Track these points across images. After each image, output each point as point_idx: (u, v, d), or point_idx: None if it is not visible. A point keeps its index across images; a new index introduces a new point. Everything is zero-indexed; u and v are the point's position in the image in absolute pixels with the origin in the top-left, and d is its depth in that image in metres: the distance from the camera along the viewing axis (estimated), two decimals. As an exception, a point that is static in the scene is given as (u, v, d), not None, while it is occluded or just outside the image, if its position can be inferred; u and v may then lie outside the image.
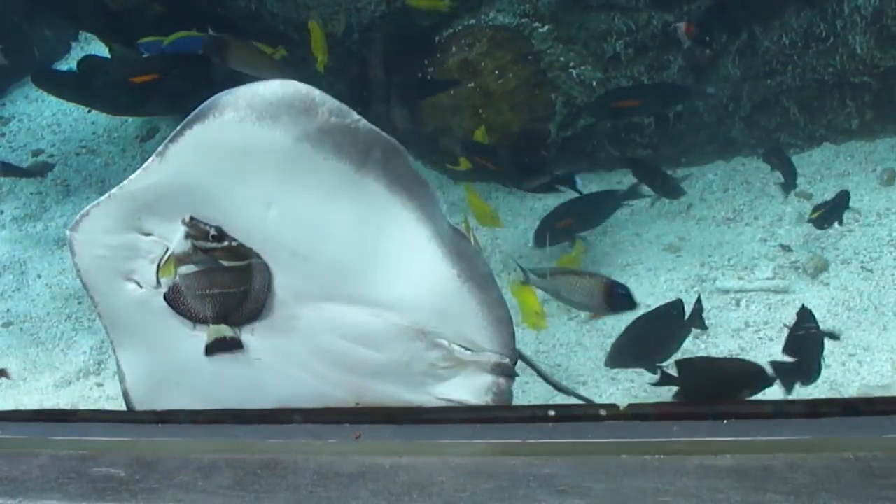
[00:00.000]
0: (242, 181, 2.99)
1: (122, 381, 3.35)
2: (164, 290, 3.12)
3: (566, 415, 2.75)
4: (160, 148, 3.01)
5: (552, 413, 2.74)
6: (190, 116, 2.97)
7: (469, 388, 3.15)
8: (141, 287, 3.15)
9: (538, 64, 6.41)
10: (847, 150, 6.56)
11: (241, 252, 3.05)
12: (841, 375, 4.65)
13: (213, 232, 3.03)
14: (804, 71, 6.54)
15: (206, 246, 3.05)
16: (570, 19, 6.34)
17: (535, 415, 2.78)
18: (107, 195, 3.08)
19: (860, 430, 2.40)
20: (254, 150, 2.95)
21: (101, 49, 8.06)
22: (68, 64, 8.59)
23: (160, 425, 3.14)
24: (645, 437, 2.50)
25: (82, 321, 6.10)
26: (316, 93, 2.95)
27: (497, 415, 2.91)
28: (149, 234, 3.09)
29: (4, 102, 8.73)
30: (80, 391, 5.51)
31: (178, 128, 2.98)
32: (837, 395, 4.42)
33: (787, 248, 5.73)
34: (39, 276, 6.60)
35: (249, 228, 3.04)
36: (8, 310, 6.30)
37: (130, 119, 7.95)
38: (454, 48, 6.42)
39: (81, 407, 5.19)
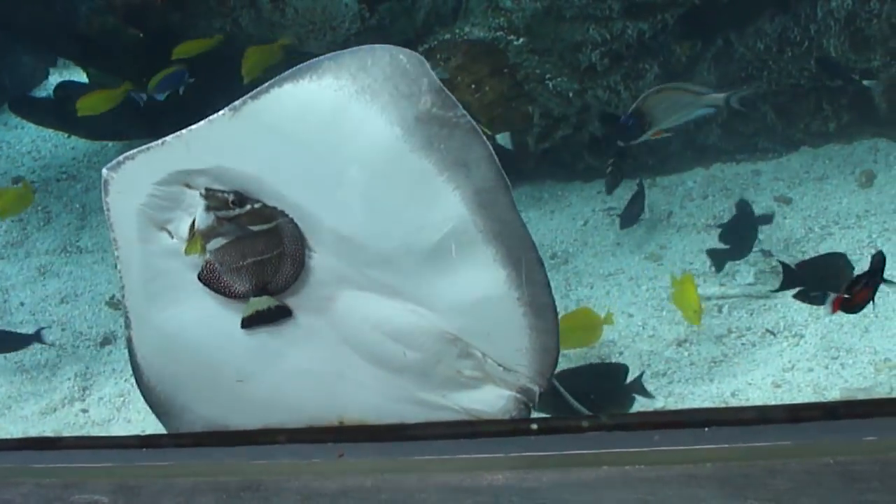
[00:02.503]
0: (318, 154, 2.85)
1: (127, 327, 3.19)
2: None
3: (548, 427, 2.74)
4: (235, 102, 2.85)
5: (534, 426, 2.74)
6: (283, 74, 2.82)
7: (489, 403, 3.13)
8: (172, 238, 3.02)
9: (514, 77, 6.44)
10: (825, 154, 6.60)
11: (267, 213, 2.92)
12: (824, 378, 4.66)
13: (231, 198, 2.89)
14: (780, 76, 6.58)
15: (229, 214, 2.91)
16: (544, 31, 6.36)
17: (517, 428, 2.77)
18: (160, 141, 2.91)
19: (840, 433, 2.40)
20: (341, 123, 2.82)
21: (78, 75, 8.07)
22: (46, 90, 8.58)
23: (144, 450, 3.12)
24: (626, 448, 2.50)
25: (66, 348, 6.08)
26: (426, 76, 2.82)
27: (479, 429, 2.90)
28: (195, 189, 2.95)
29: (-17, 130, 8.72)
30: (66, 418, 5.49)
31: (265, 85, 2.82)
32: (821, 399, 4.44)
33: (767, 253, 5.75)
34: (22, 304, 6.57)
35: (307, 205, 2.91)
36: (-9, 338, 6.26)
37: (111, 143, 7.95)
38: (430, 63, 6.42)
39: (66, 434, 5.17)
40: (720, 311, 5.38)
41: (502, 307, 3.01)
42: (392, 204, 2.91)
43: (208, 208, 2.92)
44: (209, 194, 2.91)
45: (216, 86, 6.45)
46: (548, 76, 6.44)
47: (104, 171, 2.99)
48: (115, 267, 3.14)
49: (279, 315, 3.05)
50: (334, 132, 2.84)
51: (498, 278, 2.97)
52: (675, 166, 6.71)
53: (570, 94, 6.46)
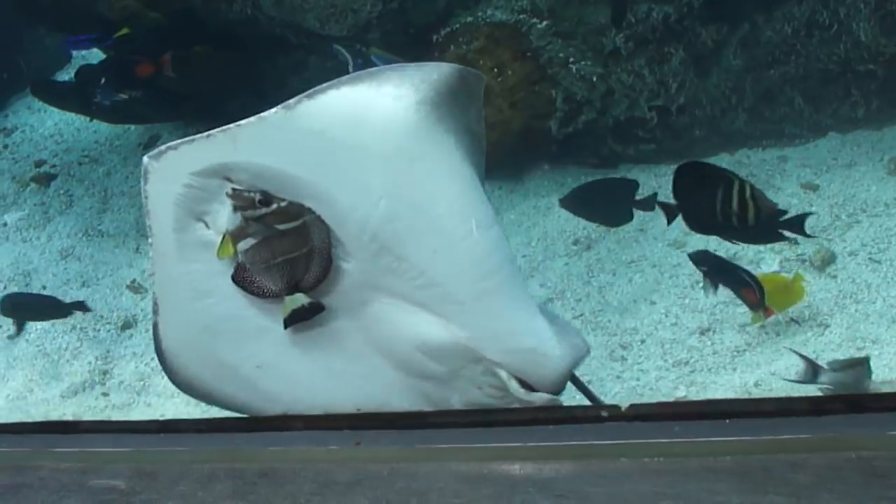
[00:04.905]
0: (367, 163, 2.83)
1: (155, 313, 3.20)
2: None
3: (567, 416, 2.71)
4: (289, 101, 2.82)
5: (553, 415, 2.71)
6: (343, 78, 2.80)
7: None
8: (208, 229, 3.01)
9: (537, 60, 6.39)
10: (853, 140, 6.51)
11: (293, 211, 2.91)
12: (849, 370, 4.60)
13: (258, 197, 2.88)
14: (808, 60, 6.50)
15: (256, 214, 2.90)
16: (567, 14, 6.31)
17: (535, 417, 2.74)
18: (205, 134, 2.90)
19: (863, 427, 2.35)
20: (395, 133, 2.80)
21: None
22: (68, 74, 8.59)
23: (161, 435, 3.11)
24: (645, 439, 2.46)
25: (87, 332, 6.10)
26: (481, 90, 2.84)
27: (497, 418, 2.87)
28: (235, 184, 2.94)
29: (7, 114, 8.74)
30: (86, 401, 5.51)
31: (323, 85, 2.79)
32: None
33: (793, 241, 5.67)
34: (44, 287, 6.60)
35: (349, 214, 2.89)
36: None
37: (133, 127, 7.95)
38: (452, 46, 6.39)
39: (86, 417, 5.19)
40: (744, 299, 5.31)
41: (533, 330, 3.04)
42: (435, 216, 2.90)
43: (235, 209, 2.92)
44: (236, 194, 2.91)
45: (236, 72, 6.50)
46: (571, 60, 6.38)
47: (145, 158, 3.00)
48: (149, 254, 3.13)
49: (314, 311, 3.04)
50: (387, 141, 2.81)
51: (529, 304, 3.04)
52: (701, 152, 6.63)
53: (594, 78, 6.40)
